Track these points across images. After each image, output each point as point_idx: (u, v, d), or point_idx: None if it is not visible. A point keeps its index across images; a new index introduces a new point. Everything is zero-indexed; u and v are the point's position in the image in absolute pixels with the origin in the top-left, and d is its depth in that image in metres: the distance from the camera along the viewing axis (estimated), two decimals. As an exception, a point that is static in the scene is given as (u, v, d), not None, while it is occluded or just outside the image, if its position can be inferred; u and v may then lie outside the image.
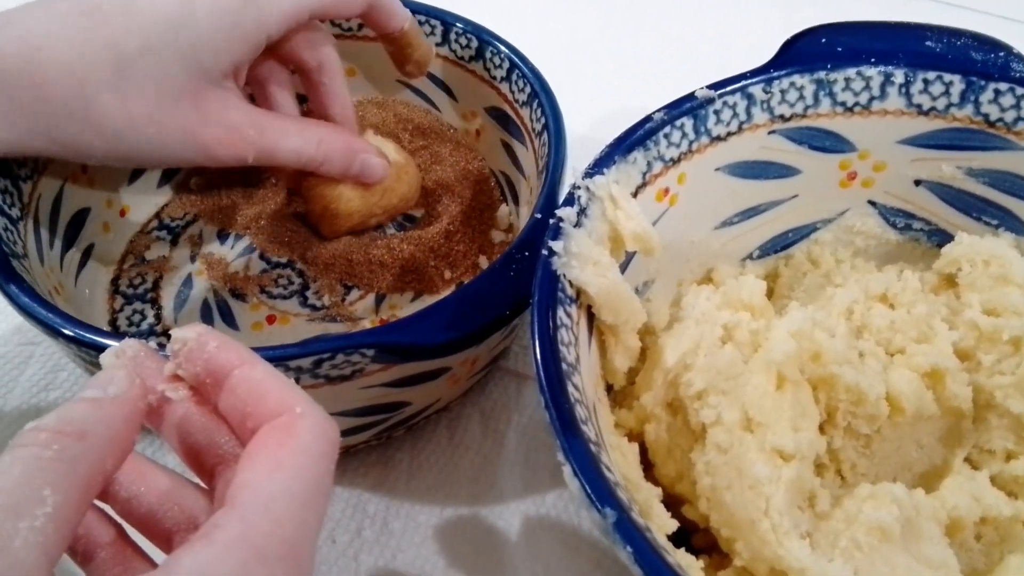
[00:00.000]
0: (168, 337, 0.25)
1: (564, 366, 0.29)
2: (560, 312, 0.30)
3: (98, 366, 0.35)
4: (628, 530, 0.25)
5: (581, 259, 0.32)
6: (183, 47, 0.37)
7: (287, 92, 0.45)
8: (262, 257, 0.49)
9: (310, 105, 0.47)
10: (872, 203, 0.41)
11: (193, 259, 0.49)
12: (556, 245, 0.32)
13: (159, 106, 0.37)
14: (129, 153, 0.39)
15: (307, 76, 0.45)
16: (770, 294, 0.43)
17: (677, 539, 0.32)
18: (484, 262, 0.48)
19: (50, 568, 0.19)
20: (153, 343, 0.26)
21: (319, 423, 0.23)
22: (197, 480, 0.26)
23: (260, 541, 0.20)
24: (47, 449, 0.20)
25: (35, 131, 0.37)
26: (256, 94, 0.45)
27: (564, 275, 0.31)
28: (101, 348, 0.33)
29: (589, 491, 0.25)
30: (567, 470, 0.26)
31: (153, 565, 0.25)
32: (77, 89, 0.36)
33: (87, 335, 0.34)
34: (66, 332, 0.34)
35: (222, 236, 0.50)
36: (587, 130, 0.58)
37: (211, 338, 0.25)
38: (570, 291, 0.32)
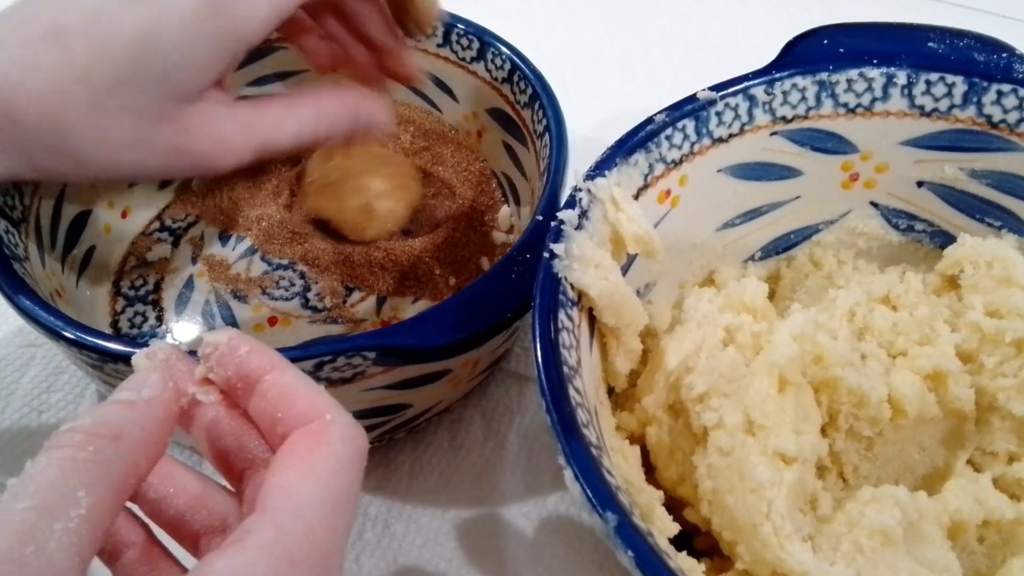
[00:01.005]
0: (176, 339, 0.25)
1: (565, 369, 0.29)
2: (561, 315, 0.30)
3: (99, 369, 0.35)
4: (629, 534, 0.25)
5: (582, 261, 0.32)
6: (155, 74, 0.35)
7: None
8: (263, 259, 0.49)
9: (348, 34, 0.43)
10: (874, 204, 0.41)
11: (195, 261, 0.49)
12: (557, 248, 0.32)
13: (138, 134, 0.36)
14: (117, 176, 0.38)
15: (337, 4, 0.42)
16: (772, 296, 0.43)
17: (679, 542, 0.32)
18: (486, 263, 0.48)
19: (83, 569, 0.19)
20: (182, 345, 0.26)
21: (349, 430, 0.23)
22: (225, 483, 0.27)
23: (292, 546, 0.21)
24: (82, 450, 0.20)
25: (19, 162, 0.36)
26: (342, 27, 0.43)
27: (565, 278, 0.31)
28: (102, 351, 0.34)
29: (590, 495, 0.25)
30: (568, 474, 0.26)
31: (180, 567, 0.26)
32: (53, 124, 0.35)
33: (88, 338, 0.34)
34: (67, 335, 0.34)
35: (223, 238, 0.50)
36: (590, 131, 0.58)
37: (242, 342, 0.25)
38: (571, 294, 0.32)
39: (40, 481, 0.19)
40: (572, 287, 0.32)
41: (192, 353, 0.26)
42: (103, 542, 0.24)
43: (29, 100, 0.34)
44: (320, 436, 0.23)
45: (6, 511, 0.19)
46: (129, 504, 0.25)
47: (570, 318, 0.31)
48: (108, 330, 0.45)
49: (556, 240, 0.32)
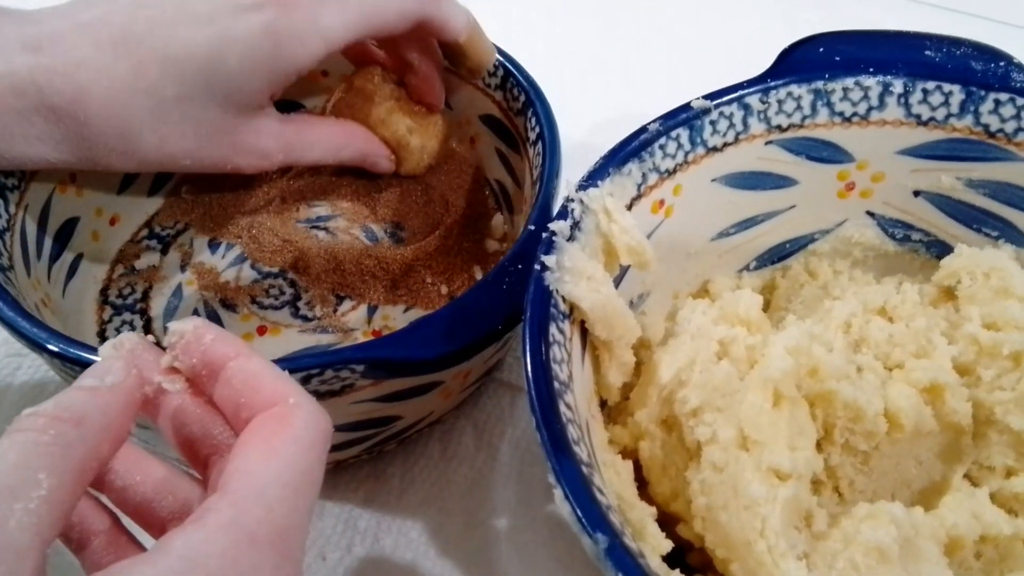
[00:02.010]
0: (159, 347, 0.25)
1: (556, 384, 0.28)
2: (552, 329, 0.30)
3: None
4: (620, 556, 0.24)
5: (574, 274, 0.31)
6: (218, 93, 0.38)
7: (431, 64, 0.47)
8: (253, 267, 0.48)
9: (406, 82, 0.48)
10: (871, 214, 0.41)
11: (183, 268, 0.48)
12: (549, 260, 0.31)
13: (197, 145, 0.40)
14: (163, 170, 0.43)
15: (407, 66, 0.47)
16: (767, 306, 0.42)
17: (672, 559, 0.31)
18: (479, 272, 0.47)
19: (43, 548, 0.19)
20: (151, 338, 0.26)
21: (312, 413, 0.24)
22: (192, 471, 0.27)
23: (251, 525, 0.21)
24: (44, 434, 0.21)
25: (79, 156, 0.39)
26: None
27: (557, 290, 0.31)
28: (86, 364, 0.33)
29: (580, 515, 0.25)
30: (558, 493, 0.26)
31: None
32: (118, 128, 0.38)
33: (71, 350, 0.33)
34: (51, 347, 0.33)
35: (213, 245, 0.49)
36: (585, 136, 0.57)
37: (208, 331, 0.25)
38: (563, 307, 0.31)
39: (1, 464, 0.20)
40: (563, 300, 0.31)
41: (159, 345, 0.26)
42: (68, 530, 0.25)
43: (97, 103, 0.37)
44: (283, 419, 0.23)
45: None
46: (95, 492, 0.26)
47: (561, 331, 0.31)
48: (95, 340, 0.45)
49: (547, 252, 0.31)
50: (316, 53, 0.40)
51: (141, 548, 0.26)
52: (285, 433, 0.23)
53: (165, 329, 0.45)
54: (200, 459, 0.26)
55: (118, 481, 0.26)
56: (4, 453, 0.20)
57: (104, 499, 0.26)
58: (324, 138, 0.45)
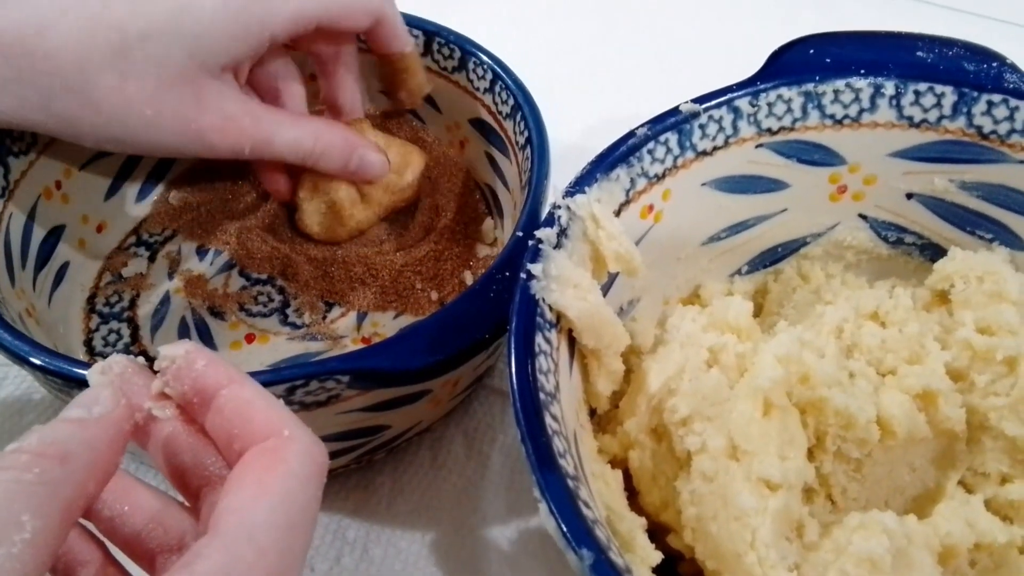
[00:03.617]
0: (146, 357, 0.24)
1: (542, 396, 0.28)
2: (539, 338, 0.29)
3: (67, 394, 0.34)
4: (605, 572, 0.24)
5: (561, 282, 0.31)
6: (186, 35, 0.37)
7: (297, 89, 0.46)
8: (242, 273, 0.48)
9: (320, 90, 0.47)
10: (863, 217, 0.40)
11: (171, 276, 0.48)
12: (535, 268, 0.31)
13: (157, 89, 0.38)
14: (124, 136, 0.39)
15: (322, 63, 0.46)
16: (759, 310, 0.42)
17: (663, 569, 0.31)
18: (469, 277, 0.47)
19: None
20: (141, 360, 0.25)
21: (307, 447, 0.23)
22: (183, 499, 0.26)
23: (242, 572, 0.20)
24: (27, 472, 0.20)
25: (32, 102, 0.37)
26: (266, 92, 0.45)
27: (543, 299, 0.30)
28: (70, 377, 0.33)
29: (565, 530, 0.24)
30: (543, 508, 0.25)
31: None
32: (78, 65, 0.36)
33: (54, 363, 0.33)
34: (33, 360, 0.33)
35: (201, 252, 0.49)
36: (576, 139, 0.57)
37: (199, 356, 0.24)
38: (549, 315, 0.31)
39: None
40: (550, 308, 0.31)
41: (150, 367, 0.25)
42: (56, 561, 0.23)
43: (60, 39, 0.36)
44: (276, 454, 0.22)
45: None
46: (84, 522, 0.25)
47: (548, 341, 0.30)
48: (82, 348, 0.44)
49: (533, 260, 0.31)
50: (289, 17, 0.39)
51: None
52: (278, 469, 0.22)
53: (153, 337, 0.45)
54: (191, 490, 0.25)
55: (106, 511, 0.25)
56: None
57: (93, 528, 0.25)
58: (298, 120, 0.43)
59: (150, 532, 0.25)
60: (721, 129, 0.37)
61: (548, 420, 0.27)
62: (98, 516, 0.25)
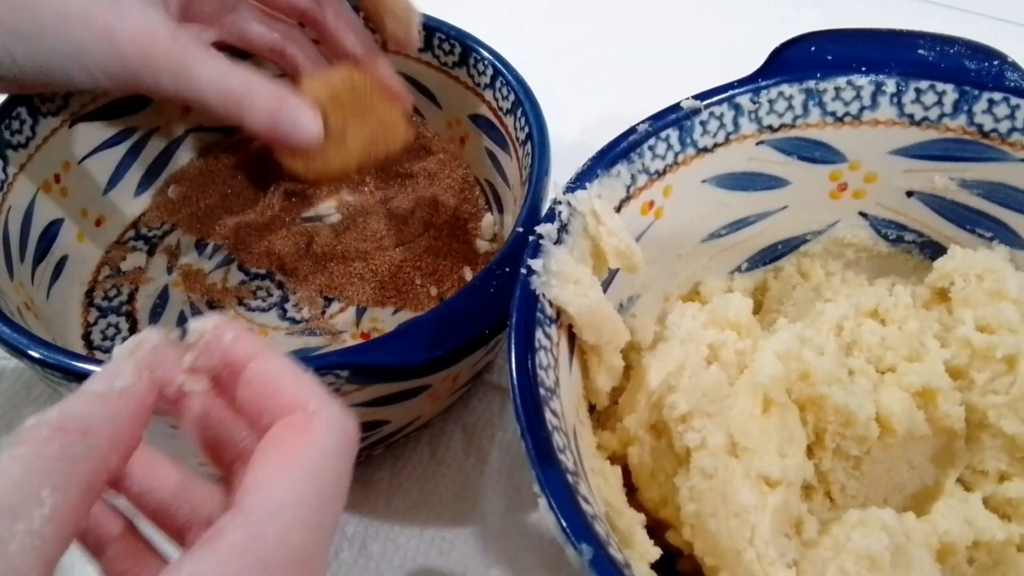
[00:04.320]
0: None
1: (542, 391, 0.28)
2: (539, 334, 0.29)
3: (66, 388, 0.34)
4: (604, 567, 0.24)
5: (561, 278, 0.31)
6: None
7: (310, 55, 0.44)
8: (240, 268, 0.48)
9: (324, 48, 0.44)
10: (863, 215, 0.40)
11: (170, 270, 0.48)
12: (535, 264, 0.31)
13: None
14: (32, 31, 0.35)
15: (309, 17, 0.43)
16: (759, 308, 0.42)
17: (661, 565, 0.31)
18: (468, 273, 0.47)
19: (48, 571, 0.18)
20: (174, 334, 0.25)
21: (335, 419, 0.23)
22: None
23: (264, 550, 0.20)
24: (48, 447, 0.19)
25: None
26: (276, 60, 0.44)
27: (543, 295, 0.30)
28: (68, 370, 0.33)
29: (565, 525, 0.24)
30: (543, 503, 0.25)
31: (164, 561, 0.25)
32: None
33: (52, 357, 0.33)
34: (32, 353, 0.33)
35: (200, 246, 0.49)
36: (576, 135, 0.57)
37: (227, 330, 0.24)
38: (550, 311, 0.31)
39: (2, 480, 0.18)
40: (550, 304, 0.31)
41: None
42: (84, 535, 0.23)
43: None
44: (303, 428, 0.22)
45: None
46: (112, 496, 0.25)
47: (548, 336, 0.30)
48: (80, 342, 0.44)
49: (534, 255, 0.31)
50: None
51: (158, 554, 0.25)
52: (304, 443, 0.22)
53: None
54: (225, 464, 0.25)
55: (135, 487, 0.25)
56: (5, 469, 0.19)
57: (121, 502, 0.25)
58: (229, 61, 0.38)
59: (178, 508, 0.25)
60: (722, 126, 0.37)
61: (548, 416, 0.27)
62: (127, 491, 0.25)
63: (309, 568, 0.21)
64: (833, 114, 0.37)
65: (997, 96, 0.36)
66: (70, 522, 0.19)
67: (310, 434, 0.22)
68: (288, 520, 0.20)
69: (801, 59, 0.38)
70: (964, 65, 0.37)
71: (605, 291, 0.33)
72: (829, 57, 0.37)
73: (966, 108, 0.36)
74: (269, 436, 0.22)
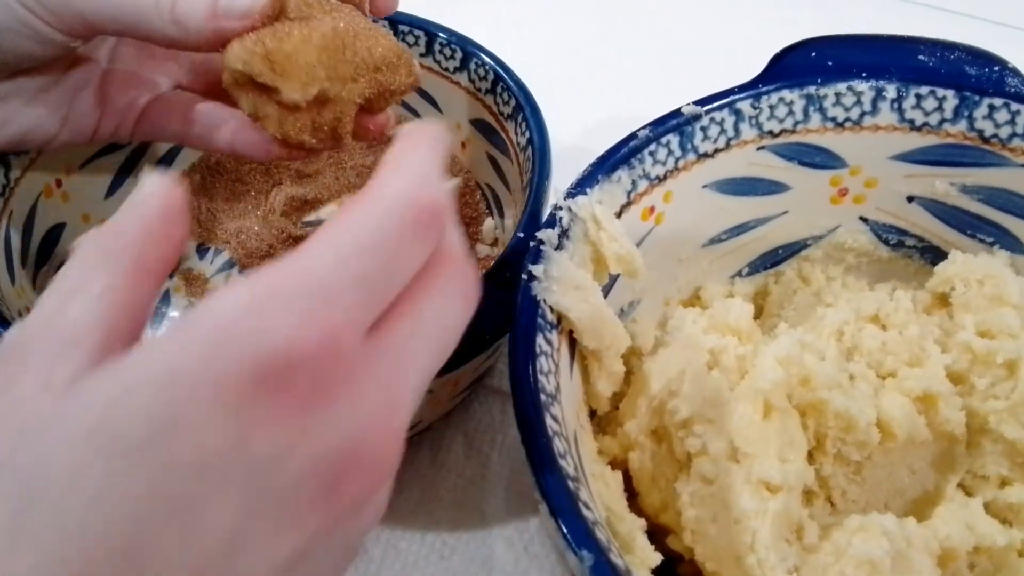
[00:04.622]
0: None
1: (543, 397, 0.28)
2: (540, 339, 0.29)
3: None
4: (606, 574, 0.24)
5: (562, 283, 0.31)
6: None
7: None
8: (242, 273, 0.48)
9: None
10: (864, 219, 0.40)
11: (171, 275, 0.48)
12: (536, 269, 0.31)
13: None
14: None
15: None
16: (759, 312, 0.42)
17: (662, 571, 0.31)
18: (469, 278, 0.47)
19: (106, 333, 0.19)
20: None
21: (397, 186, 0.22)
22: None
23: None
24: (93, 245, 0.21)
25: None
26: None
27: (544, 300, 0.30)
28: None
29: (565, 532, 0.24)
30: (543, 509, 0.25)
31: None
32: None
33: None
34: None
35: (201, 251, 0.49)
36: (577, 139, 0.57)
37: None
38: (551, 316, 0.31)
39: (62, 280, 0.20)
40: (551, 310, 0.31)
41: None
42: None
43: None
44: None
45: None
46: None
47: (549, 342, 0.30)
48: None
49: (535, 261, 0.31)
50: None
51: None
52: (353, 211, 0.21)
53: (150, 336, 0.45)
54: None
55: None
56: (64, 274, 0.20)
57: None
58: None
59: None
60: (722, 131, 0.37)
61: (548, 421, 0.27)
62: None
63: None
64: (834, 119, 0.37)
65: (997, 102, 0.36)
66: (126, 297, 0.20)
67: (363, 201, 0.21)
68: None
69: (802, 64, 0.38)
70: (964, 70, 0.37)
71: (606, 296, 0.34)
72: (830, 63, 0.37)
73: (966, 113, 0.36)
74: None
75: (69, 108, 0.38)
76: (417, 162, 0.23)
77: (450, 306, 0.23)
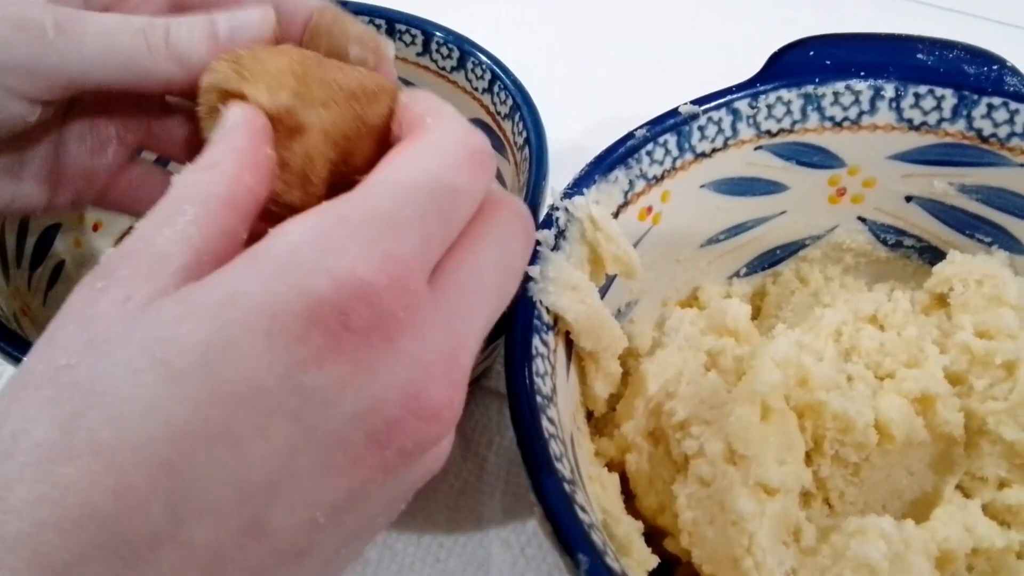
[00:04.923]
0: None
1: (539, 399, 0.28)
2: (536, 341, 0.29)
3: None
4: (602, 577, 0.24)
5: (559, 284, 0.31)
6: None
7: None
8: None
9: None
10: (862, 219, 0.40)
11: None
12: (532, 270, 0.30)
13: None
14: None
15: None
16: (757, 313, 0.42)
17: (660, 572, 0.31)
18: (466, 278, 0.47)
19: (194, 257, 0.20)
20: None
21: (448, 133, 0.23)
22: None
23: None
24: (187, 176, 0.21)
25: None
26: None
27: (540, 301, 0.30)
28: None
29: (561, 535, 0.24)
30: (538, 511, 0.25)
31: None
32: None
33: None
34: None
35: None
36: (576, 138, 0.57)
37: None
38: (547, 318, 0.30)
39: (155, 213, 0.21)
40: (547, 311, 0.30)
41: None
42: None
43: None
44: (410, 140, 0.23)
45: None
46: None
47: (545, 343, 0.30)
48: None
49: (531, 262, 0.31)
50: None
51: None
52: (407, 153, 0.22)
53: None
54: None
55: None
56: (158, 207, 0.21)
57: None
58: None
59: None
60: (720, 131, 0.36)
61: (544, 423, 0.27)
62: None
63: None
64: (832, 119, 0.37)
65: (996, 101, 0.36)
66: (215, 223, 0.20)
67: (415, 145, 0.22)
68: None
69: (799, 63, 0.37)
70: (963, 69, 0.37)
71: (603, 297, 0.33)
72: (827, 62, 0.37)
73: (965, 113, 0.36)
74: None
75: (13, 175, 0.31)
76: (453, 112, 0.23)
77: (509, 247, 0.23)
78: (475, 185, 0.22)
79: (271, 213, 0.26)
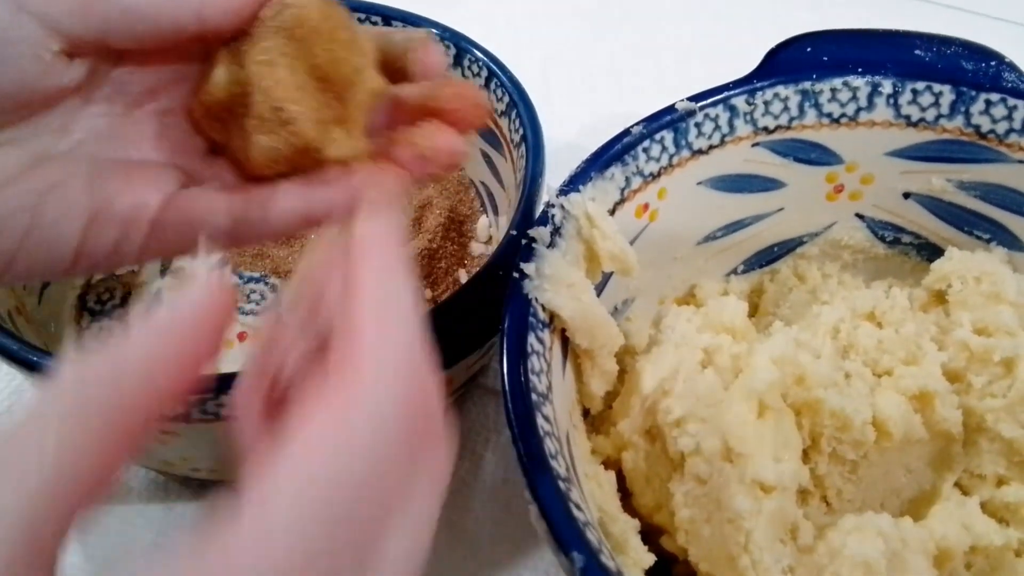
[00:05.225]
0: None
1: (534, 397, 0.28)
2: (531, 338, 0.29)
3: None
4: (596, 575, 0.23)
5: (554, 282, 0.30)
6: None
7: None
8: (234, 272, 0.47)
9: None
10: (860, 216, 0.40)
11: (163, 274, 0.48)
12: (528, 267, 0.30)
13: None
14: None
15: None
16: (755, 310, 0.42)
17: (656, 572, 0.30)
18: (463, 275, 0.47)
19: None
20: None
21: (390, 374, 0.18)
22: None
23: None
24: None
25: None
26: None
27: (536, 299, 0.30)
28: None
29: (555, 533, 0.24)
30: (533, 510, 0.25)
31: None
32: None
33: (43, 361, 0.32)
34: (22, 359, 0.33)
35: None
36: (573, 138, 0.57)
37: None
38: (543, 315, 0.30)
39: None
40: (543, 308, 0.30)
41: None
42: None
43: None
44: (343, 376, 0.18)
45: None
46: None
47: (540, 341, 0.30)
48: (72, 347, 0.44)
49: (527, 259, 0.31)
50: None
51: None
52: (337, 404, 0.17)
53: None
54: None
55: None
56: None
57: None
58: None
59: None
60: (717, 128, 0.36)
61: (540, 421, 0.27)
62: None
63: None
64: (829, 115, 0.37)
65: (994, 97, 0.36)
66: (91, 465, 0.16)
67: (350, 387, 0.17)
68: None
69: (797, 60, 0.37)
70: (961, 66, 0.37)
71: (599, 295, 0.33)
72: (825, 58, 0.37)
73: (963, 109, 0.36)
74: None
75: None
76: (401, 318, 0.19)
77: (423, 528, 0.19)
78: (411, 476, 0.18)
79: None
